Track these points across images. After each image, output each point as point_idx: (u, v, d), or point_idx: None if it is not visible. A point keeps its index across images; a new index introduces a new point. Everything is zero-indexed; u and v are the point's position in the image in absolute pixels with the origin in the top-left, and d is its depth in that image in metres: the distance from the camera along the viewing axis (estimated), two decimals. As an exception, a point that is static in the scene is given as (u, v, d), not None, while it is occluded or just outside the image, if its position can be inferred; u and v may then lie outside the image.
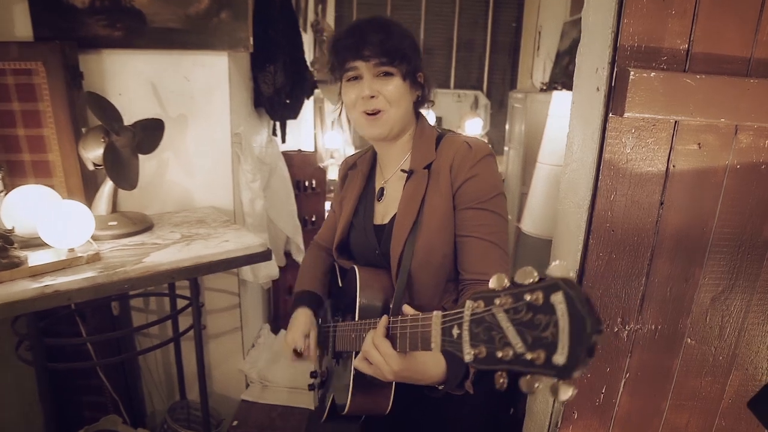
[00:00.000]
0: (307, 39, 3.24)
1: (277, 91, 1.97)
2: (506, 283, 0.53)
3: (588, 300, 0.45)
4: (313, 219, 2.26)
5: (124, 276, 1.20)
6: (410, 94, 1.03)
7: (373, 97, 0.98)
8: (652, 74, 0.80)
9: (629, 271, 0.96)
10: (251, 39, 1.62)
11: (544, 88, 4.28)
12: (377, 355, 0.80)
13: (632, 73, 0.80)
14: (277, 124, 2.25)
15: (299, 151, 2.23)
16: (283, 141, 2.33)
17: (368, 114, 0.99)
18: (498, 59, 5.62)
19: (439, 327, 0.66)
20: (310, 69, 2.88)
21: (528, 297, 0.49)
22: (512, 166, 4.69)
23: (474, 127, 5.39)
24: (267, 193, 2.08)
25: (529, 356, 0.48)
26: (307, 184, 2.20)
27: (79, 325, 1.67)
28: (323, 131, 3.61)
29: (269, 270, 1.91)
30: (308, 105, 3.25)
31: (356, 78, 0.99)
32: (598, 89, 0.89)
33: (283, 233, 2.13)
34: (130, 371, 1.88)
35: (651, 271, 0.96)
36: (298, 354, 1.15)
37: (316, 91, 2.79)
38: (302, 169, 2.18)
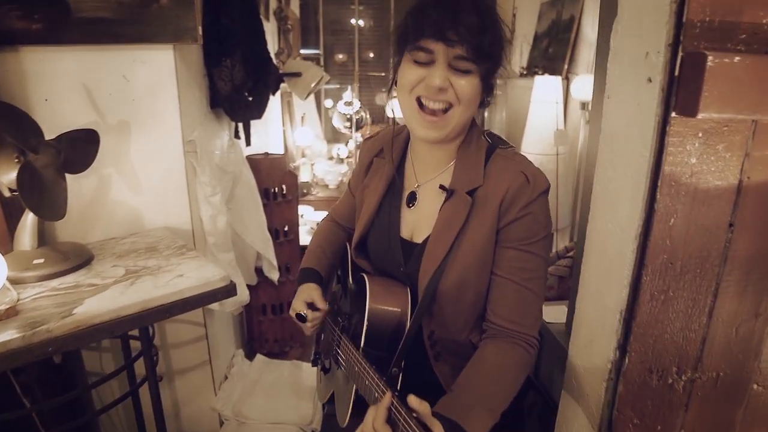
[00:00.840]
0: (270, 28, 2.97)
1: (236, 88, 1.71)
2: None
3: None
4: (286, 229, 2.02)
5: (48, 336, 0.94)
6: (480, 96, 0.86)
7: (443, 88, 0.81)
8: (736, 59, 0.59)
9: (688, 311, 0.76)
10: (200, 29, 1.36)
11: (524, 72, 4.07)
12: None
13: (710, 58, 0.59)
14: (240, 125, 2.00)
15: (266, 154, 1.98)
16: (248, 143, 2.08)
17: (429, 109, 0.83)
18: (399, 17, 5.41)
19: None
20: (275, 61, 2.61)
21: None
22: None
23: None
24: (231, 205, 1.83)
25: None
26: (276, 191, 1.95)
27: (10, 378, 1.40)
28: (293, 128, 3.34)
29: (238, 296, 1.67)
30: (275, 101, 2.98)
31: (426, 63, 0.81)
32: (650, 80, 0.68)
33: (252, 249, 1.88)
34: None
35: (715, 308, 0.76)
36: (301, 319, 1.04)
37: (282, 85, 2.53)
38: (271, 175, 1.93)
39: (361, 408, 0.88)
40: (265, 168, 1.91)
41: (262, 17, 2.46)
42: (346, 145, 4.44)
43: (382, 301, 0.93)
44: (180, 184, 1.52)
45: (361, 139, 4.92)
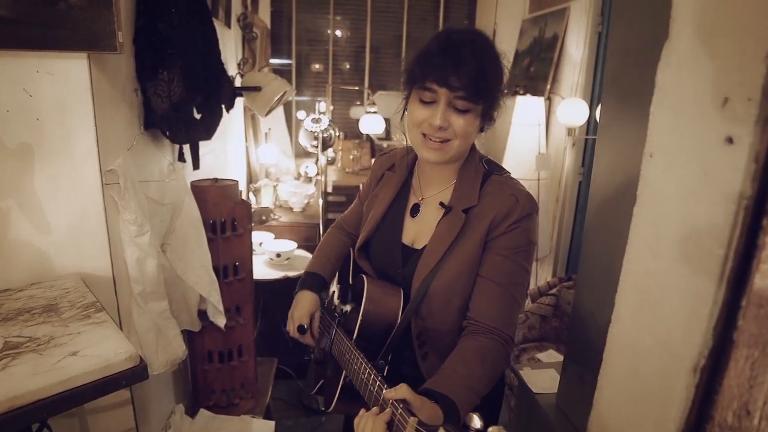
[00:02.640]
0: (234, 35, 2.71)
1: (175, 106, 1.45)
2: (479, 424, 0.61)
3: None
4: (236, 264, 1.75)
5: None
6: (478, 127, 1.00)
7: (443, 128, 0.95)
8: None
9: None
10: (120, 34, 1.10)
11: (505, 91, 3.85)
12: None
13: None
14: (186, 147, 1.73)
15: (215, 181, 1.71)
16: (195, 167, 1.81)
17: (430, 139, 0.97)
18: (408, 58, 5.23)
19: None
20: (234, 73, 2.35)
21: None
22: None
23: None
24: (170, 240, 1.56)
25: None
26: (225, 223, 1.68)
27: None
28: (256, 145, 3.08)
29: (170, 353, 1.39)
30: (236, 115, 2.71)
31: (431, 102, 0.95)
32: (730, 141, 0.46)
33: (194, 291, 1.61)
34: None
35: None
36: (302, 331, 1.15)
37: (242, 99, 2.27)
38: (219, 205, 1.66)
39: (347, 393, 1.03)
40: (212, 197, 1.65)
41: (219, 23, 2.20)
42: (316, 163, 4.18)
43: (377, 300, 1.04)
44: (98, 221, 1.25)
45: (329, 157, 4.68)
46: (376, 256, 1.14)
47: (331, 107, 4.96)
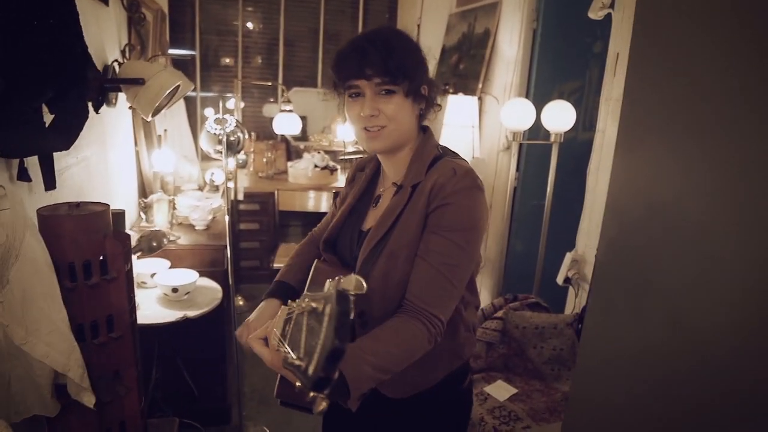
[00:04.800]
0: (115, 15, 2.19)
1: (-4, 105, 0.99)
2: (330, 289, 0.57)
3: (345, 316, 0.51)
4: (110, 318, 1.30)
5: None
6: (413, 108, 1.05)
7: (373, 115, 1.01)
8: None
9: None
10: None
11: (426, 69, 3.59)
12: (264, 348, 0.88)
13: None
14: (28, 160, 1.25)
15: (75, 206, 1.25)
16: (49, 187, 1.33)
17: (369, 130, 1.03)
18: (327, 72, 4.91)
19: (281, 321, 0.71)
20: (113, 61, 1.86)
21: (315, 304, 0.55)
22: (396, 179, 4.03)
23: (347, 133, 4.64)
24: (3, 297, 1.09)
25: (297, 362, 0.55)
26: (91, 264, 1.23)
27: None
28: (149, 150, 2.56)
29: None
30: (123, 112, 2.19)
31: (358, 95, 1.02)
32: None
33: (45, 365, 1.14)
34: None
35: None
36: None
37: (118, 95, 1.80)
38: (81, 242, 1.20)
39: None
40: (69, 231, 1.19)
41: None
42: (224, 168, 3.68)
43: (322, 279, 1.00)
44: None
45: (240, 160, 4.19)
46: (339, 248, 1.18)
47: (242, 105, 4.47)
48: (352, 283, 0.55)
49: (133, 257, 1.83)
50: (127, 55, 2.29)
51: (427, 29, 4.13)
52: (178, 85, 1.72)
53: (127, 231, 1.91)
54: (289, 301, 0.73)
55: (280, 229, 4.21)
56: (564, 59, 2.82)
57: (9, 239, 1.09)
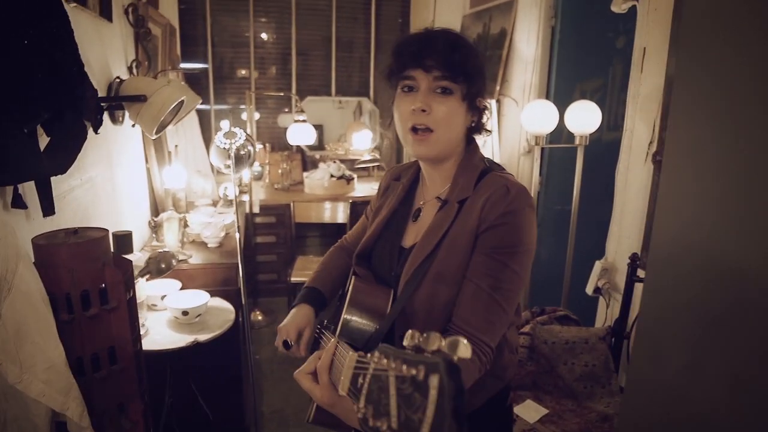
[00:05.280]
0: (121, 32, 2.15)
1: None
2: (416, 341, 0.52)
3: (461, 394, 0.44)
4: (111, 350, 1.23)
5: None
6: (465, 117, 0.99)
7: (424, 111, 0.94)
8: None
9: None
10: None
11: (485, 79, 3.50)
12: (312, 384, 0.79)
13: None
14: (23, 185, 1.19)
15: (73, 233, 1.18)
16: (48, 213, 1.27)
17: (416, 131, 0.96)
18: (384, 60, 4.84)
19: (351, 371, 0.64)
20: (116, 77, 1.81)
21: (413, 370, 0.47)
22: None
23: (362, 140, 4.56)
24: (-5, 333, 1.02)
25: None
26: (89, 294, 1.16)
27: None
28: (160, 167, 2.51)
29: None
30: (129, 129, 2.15)
31: (411, 89, 0.96)
32: None
33: (41, 404, 1.08)
34: None
35: None
36: (287, 347, 1.11)
37: (118, 112, 1.74)
38: (78, 271, 1.13)
39: None
40: (65, 260, 1.12)
41: (91, 13, 1.66)
42: (239, 184, 3.63)
43: (361, 300, 1.00)
44: None
45: (255, 171, 4.15)
46: (375, 263, 1.12)
47: (257, 116, 4.42)
48: (461, 349, 0.48)
49: (142, 280, 1.77)
50: (134, 71, 2.25)
51: (440, 32, 4.03)
52: (183, 100, 1.66)
53: (138, 252, 1.85)
54: (363, 353, 0.66)
55: (297, 241, 4.14)
56: (585, 56, 2.69)
57: (0, 271, 1.03)
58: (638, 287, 1.94)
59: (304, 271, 3.37)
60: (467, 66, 0.93)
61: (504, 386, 1.12)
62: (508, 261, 0.92)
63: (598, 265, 2.22)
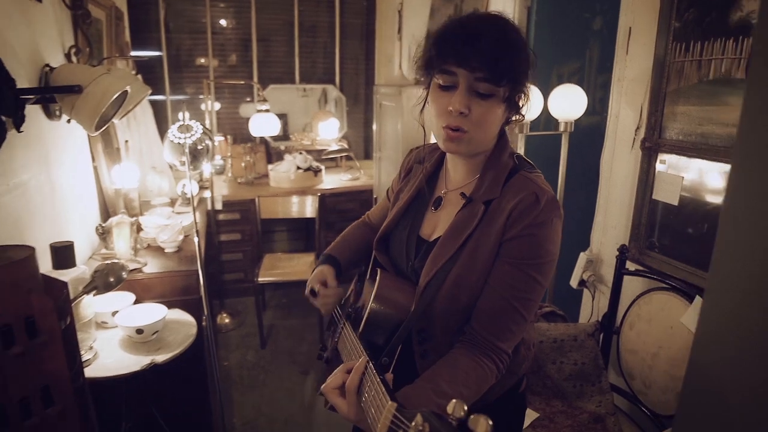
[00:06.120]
0: (55, 14, 1.91)
1: None
2: (461, 413, 0.54)
3: None
4: (45, 390, 1.04)
5: None
6: (502, 116, 0.94)
7: (463, 113, 0.89)
8: None
9: None
10: None
11: (421, 79, 3.33)
12: (339, 399, 0.82)
13: None
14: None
15: (-10, 254, 0.98)
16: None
17: (451, 129, 0.91)
18: (349, 45, 4.65)
19: (388, 421, 0.65)
20: (47, 66, 1.58)
21: None
22: (385, 177, 3.77)
23: (330, 129, 4.37)
24: None
25: None
26: (12, 328, 0.97)
27: None
28: (109, 165, 2.28)
29: None
30: (73, 128, 1.91)
31: (449, 87, 0.90)
32: None
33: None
34: None
35: None
36: (313, 294, 1.15)
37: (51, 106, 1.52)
38: (-2, 300, 0.94)
39: None
40: (-21, 287, 0.93)
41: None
42: (199, 180, 3.39)
43: (387, 295, 1.00)
44: None
45: (217, 165, 3.91)
46: (393, 249, 1.11)
47: (217, 106, 4.17)
48: (484, 427, 0.52)
49: (89, 296, 1.57)
50: (73, 59, 2.00)
51: (409, 15, 3.86)
52: (126, 91, 1.45)
53: (82, 265, 1.64)
54: (401, 405, 0.67)
55: (264, 237, 3.94)
56: (561, 38, 2.57)
57: None
58: (627, 280, 1.86)
59: (272, 270, 3.19)
60: (514, 71, 0.87)
61: (518, 379, 1.13)
62: (532, 272, 0.91)
63: (582, 257, 2.12)
